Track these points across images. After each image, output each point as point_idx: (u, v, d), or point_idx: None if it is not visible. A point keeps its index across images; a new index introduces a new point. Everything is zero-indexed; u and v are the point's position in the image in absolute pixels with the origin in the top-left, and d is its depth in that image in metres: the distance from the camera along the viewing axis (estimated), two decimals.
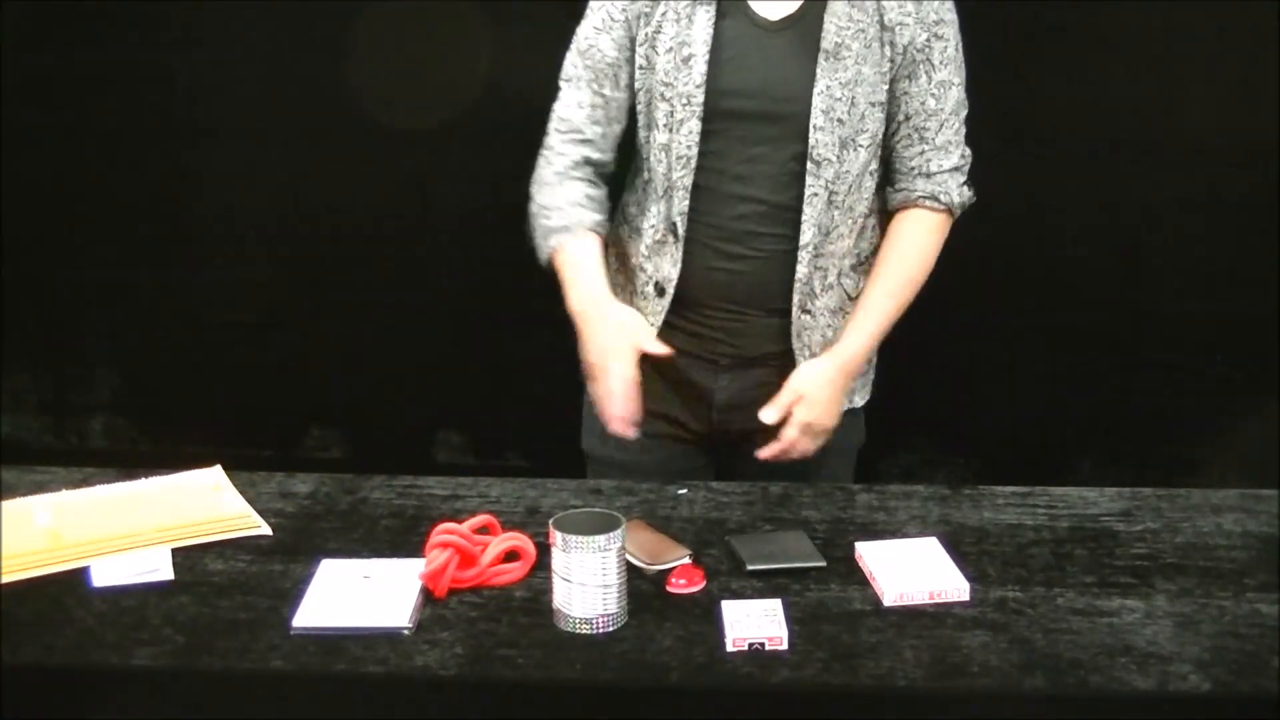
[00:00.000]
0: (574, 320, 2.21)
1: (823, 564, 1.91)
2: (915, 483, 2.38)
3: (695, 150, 2.21)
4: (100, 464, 2.27)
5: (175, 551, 1.95)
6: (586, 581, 1.74)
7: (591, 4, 2.28)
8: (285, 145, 3.06)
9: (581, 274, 2.22)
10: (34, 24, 3.06)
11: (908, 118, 2.25)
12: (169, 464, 2.23)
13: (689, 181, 2.22)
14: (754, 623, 1.75)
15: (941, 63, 2.23)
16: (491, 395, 2.95)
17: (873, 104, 2.21)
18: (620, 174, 2.37)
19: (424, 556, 1.86)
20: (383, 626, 1.76)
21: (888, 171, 2.31)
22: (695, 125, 2.20)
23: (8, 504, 2.06)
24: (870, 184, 2.28)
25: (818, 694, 1.66)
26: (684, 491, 2.16)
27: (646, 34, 2.23)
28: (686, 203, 2.23)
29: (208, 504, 2.08)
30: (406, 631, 1.75)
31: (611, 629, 1.76)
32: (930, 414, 3.15)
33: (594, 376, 2.20)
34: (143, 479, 2.18)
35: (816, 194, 2.20)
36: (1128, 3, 2.89)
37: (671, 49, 2.21)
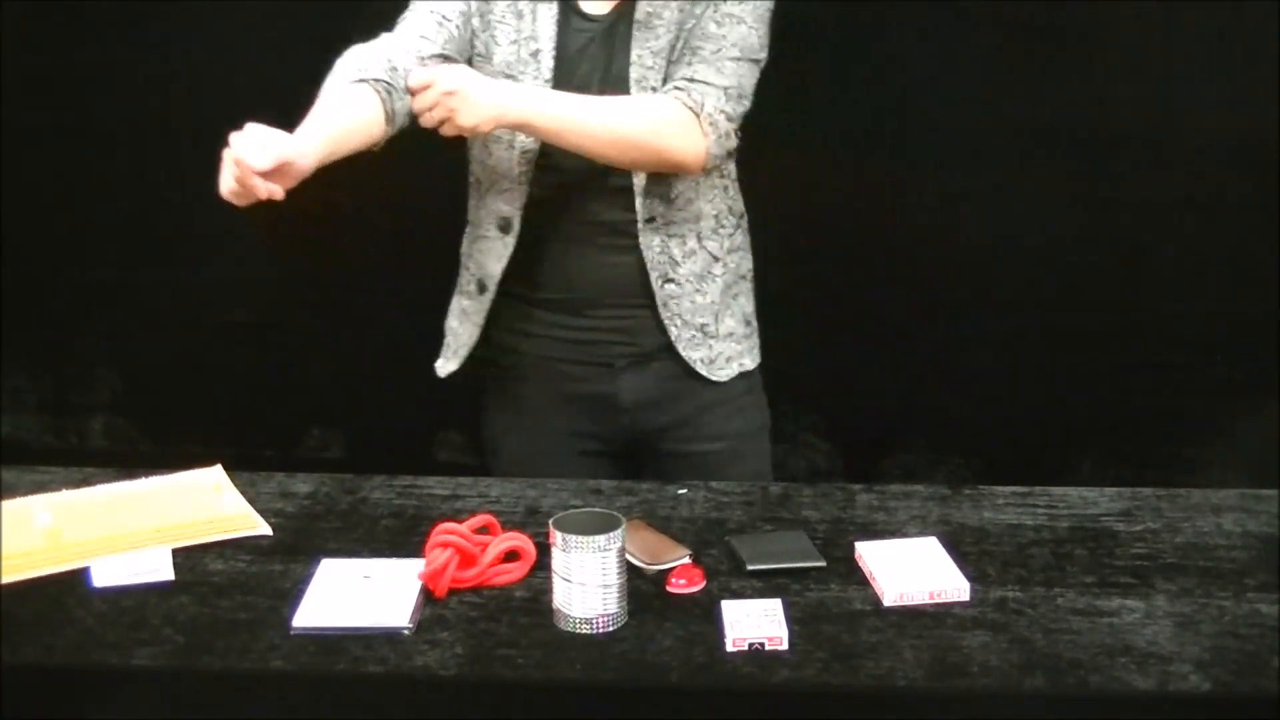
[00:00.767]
0: None
1: (823, 564, 1.91)
2: (915, 483, 2.38)
3: (539, 144, 2.23)
4: (100, 464, 2.26)
5: (175, 551, 1.95)
6: (586, 581, 1.74)
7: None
8: None
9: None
10: (34, 24, 3.06)
11: (687, 42, 2.22)
12: (169, 464, 2.23)
13: (530, 175, 2.25)
14: (754, 623, 1.75)
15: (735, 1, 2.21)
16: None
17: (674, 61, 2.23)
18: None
19: (424, 556, 1.86)
20: (383, 626, 1.76)
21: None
22: None
23: (8, 504, 2.06)
24: None
25: (818, 694, 1.66)
26: (684, 491, 2.16)
27: (487, 22, 2.24)
28: (525, 197, 2.26)
29: (208, 504, 2.08)
30: (406, 631, 1.75)
31: (611, 629, 1.76)
32: (930, 414, 3.15)
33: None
34: (143, 479, 2.18)
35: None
36: (1128, 3, 2.89)
37: (516, 42, 2.23)
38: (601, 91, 2.23)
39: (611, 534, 1.74)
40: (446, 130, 2.15)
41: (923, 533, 2.01)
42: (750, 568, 1.90)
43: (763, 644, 1.72)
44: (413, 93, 2.13)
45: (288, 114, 3.02)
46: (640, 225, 2.26)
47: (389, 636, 1.74)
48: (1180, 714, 1.64)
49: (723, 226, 2.34)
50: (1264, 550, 1.96)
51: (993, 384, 3.08)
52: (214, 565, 1.93)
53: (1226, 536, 2.00)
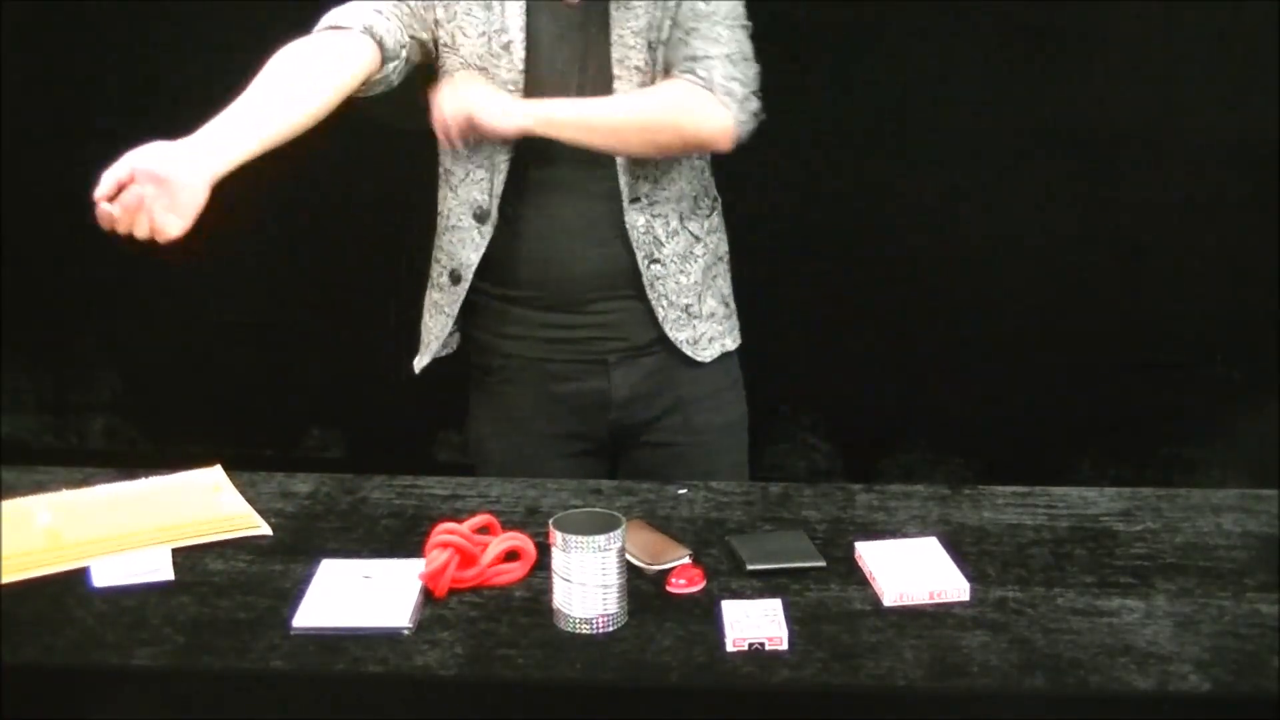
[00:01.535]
0: None
1: (823, 564, 1.91)
2: (915, 483, 2.39)
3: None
4: (100, 464, 2.26)
5: (175, 551, 1.95)
6: (586, 581, 1.74)
7: None
8: (285, 145, 3.05)
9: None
10: (34, 24, 3.06)
11: (678, 24, 2.23)
12: (169, 464, 2.23)
13: (506, 165, 2.26)
14: (754, 623, 1.75)
15: None
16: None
17: (665, 42, 2.23)
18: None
19: (424, 556, 1.86)
20: (383, 627, 1.76)
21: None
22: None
23: (8, 504, 2.05)
24: None
25: (818, 694, 1.66)
26: (684, 491, 2.16)
27: (452, 12, 2.24)
28: (503, 186, 2.26)
29: (208, 504, 2.08)
30: (406, 632, 1.75)
31: (611, 629, 1.76)
32: (930, 414, 3.15)
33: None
34: (143, 479, 2.18)
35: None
36: (1128, 3, 2.89)
37: (485, 34, 2.23)
38: (583, 77, 2.23)
39: (611, 534, 1.74)
40: (467, 137, 2.19)
41: (923, 533, 2.01)
42: (750, 568, 1.90)
43: (763, 644, 1.72)
44: (434, 112, 2.16)
45: None
46: (625, 204, 2.27)
47: (389, 636, 1.74)
48: (1180, 714, 1.64)
49: (699, 208, 2.36)
50: (1264, 550, 1.96)
51: (993, 384, 3.08)
52: (214, 565, 1.93)
53: (1226, 536, 2.00)
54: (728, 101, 2.21)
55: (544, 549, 1.86)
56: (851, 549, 1.95)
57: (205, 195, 1.95)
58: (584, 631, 1.75)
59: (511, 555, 1.90)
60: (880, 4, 3.02)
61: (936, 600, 1.82)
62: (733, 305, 2.44)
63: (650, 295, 2.31)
